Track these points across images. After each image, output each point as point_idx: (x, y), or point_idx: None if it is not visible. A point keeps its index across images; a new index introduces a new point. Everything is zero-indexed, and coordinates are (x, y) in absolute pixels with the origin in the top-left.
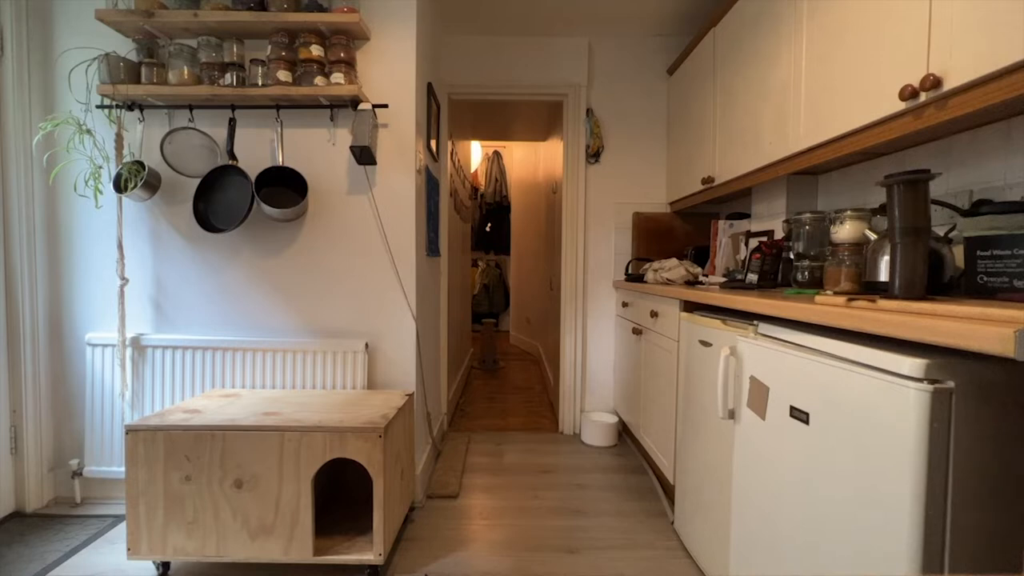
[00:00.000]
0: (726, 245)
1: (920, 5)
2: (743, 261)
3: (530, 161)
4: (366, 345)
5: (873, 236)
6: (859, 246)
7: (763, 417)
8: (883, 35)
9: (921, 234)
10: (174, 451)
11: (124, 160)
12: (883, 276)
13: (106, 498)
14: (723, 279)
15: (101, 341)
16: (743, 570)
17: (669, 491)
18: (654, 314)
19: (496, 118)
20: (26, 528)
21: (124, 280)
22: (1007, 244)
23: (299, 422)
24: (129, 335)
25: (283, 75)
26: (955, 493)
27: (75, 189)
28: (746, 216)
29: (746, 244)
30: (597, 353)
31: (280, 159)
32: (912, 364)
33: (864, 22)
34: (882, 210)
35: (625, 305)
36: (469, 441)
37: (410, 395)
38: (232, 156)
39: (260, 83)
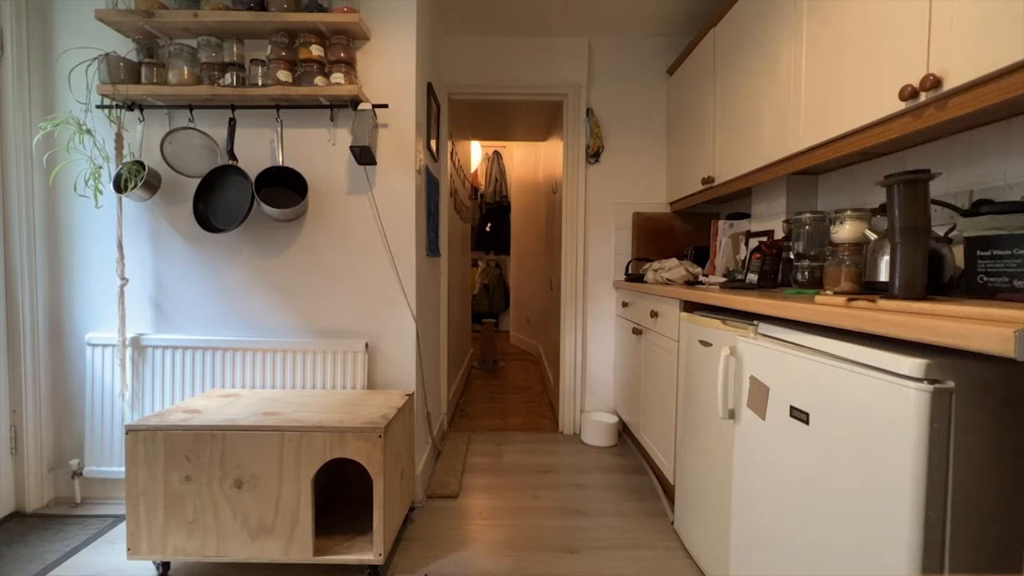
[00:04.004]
0: (726, 245)
1: (920, 5)
2: (743, 261)
3: (530, 161)
4: (366, 345)
5: (873, 236)
6: (859, 246)
7: (763, 417)
8: (883, 35)
9: (921, 234)
10: (174, 451)
11: (124, 160)
12: (883, 276)
13: (106, 498)
14: (723, 279)
15: (101, 341)
16: (743, 570)
17: (669, 491)
18: (654, 314)
19: (496, 118)
20: (26, 528)
21: (124, 280)
22: (1007, 244)
23: (299, 422)
24: (129, 335)
25: (283, 75)
26: (955, 493)
27: (75, 189)
28: (746, 216)
29: (746, 244)
30: (597, 353)
31: (280, 159)
32: (912, 364)
33: (864, 22)
34: (882, 210)
35: (625, 305)
36: (469, 441)
37: (410, 395)
38: (232, 156)
39: (260, 83)
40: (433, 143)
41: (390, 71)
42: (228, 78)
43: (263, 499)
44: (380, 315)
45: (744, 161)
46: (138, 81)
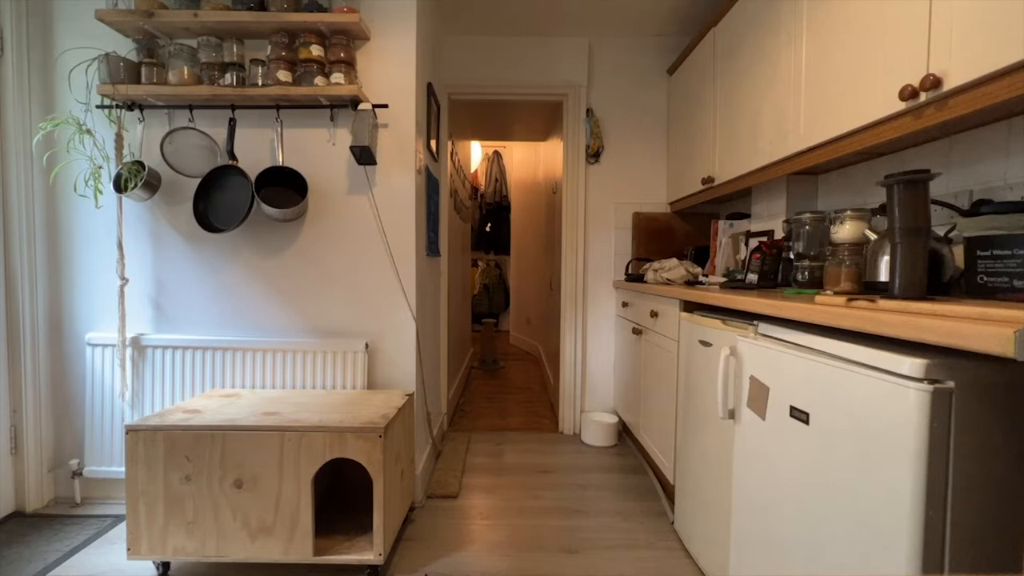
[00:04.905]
0: (726, 245)
1: (920, 5)
2: (743, 261)
3: (530, 161)
4: (366, 345)
5: (873, 236)
6: (859, 246)
7: (763, 417)
8: (883, 35)
9: (921, 234)
10: (174, 451)
11: (124, 160)
12: (883, 276)
13: (106, 498)
14: (723, 279)
15: (101, 341)
16: (743, 570)
17: (669, 491)
18: (654, 314)
19: (496, 118)
20: (26, 528)
21: (124, 280)
22: (1007, 244)
23: (299, 422)
24: (129, 335)
25: (283, 75)
26: (955, 493)
27: (75, 189)
28: (746, 216)
29: (746, 244)
30: (597, 353)
31: (280, 159)
32: (912, 364)
33: (864, 22)
34: (882, 210)
35: (625, 305)
36: (469, 441)
37: (410, 395)
38: (232, 156)
39: (260, 83)
40: (433, 143)
41: (390, 71)
42: (228, 78)
43: (263, 499)
44: (380, 315)
45: (744, 161)
46: (138, 81)
